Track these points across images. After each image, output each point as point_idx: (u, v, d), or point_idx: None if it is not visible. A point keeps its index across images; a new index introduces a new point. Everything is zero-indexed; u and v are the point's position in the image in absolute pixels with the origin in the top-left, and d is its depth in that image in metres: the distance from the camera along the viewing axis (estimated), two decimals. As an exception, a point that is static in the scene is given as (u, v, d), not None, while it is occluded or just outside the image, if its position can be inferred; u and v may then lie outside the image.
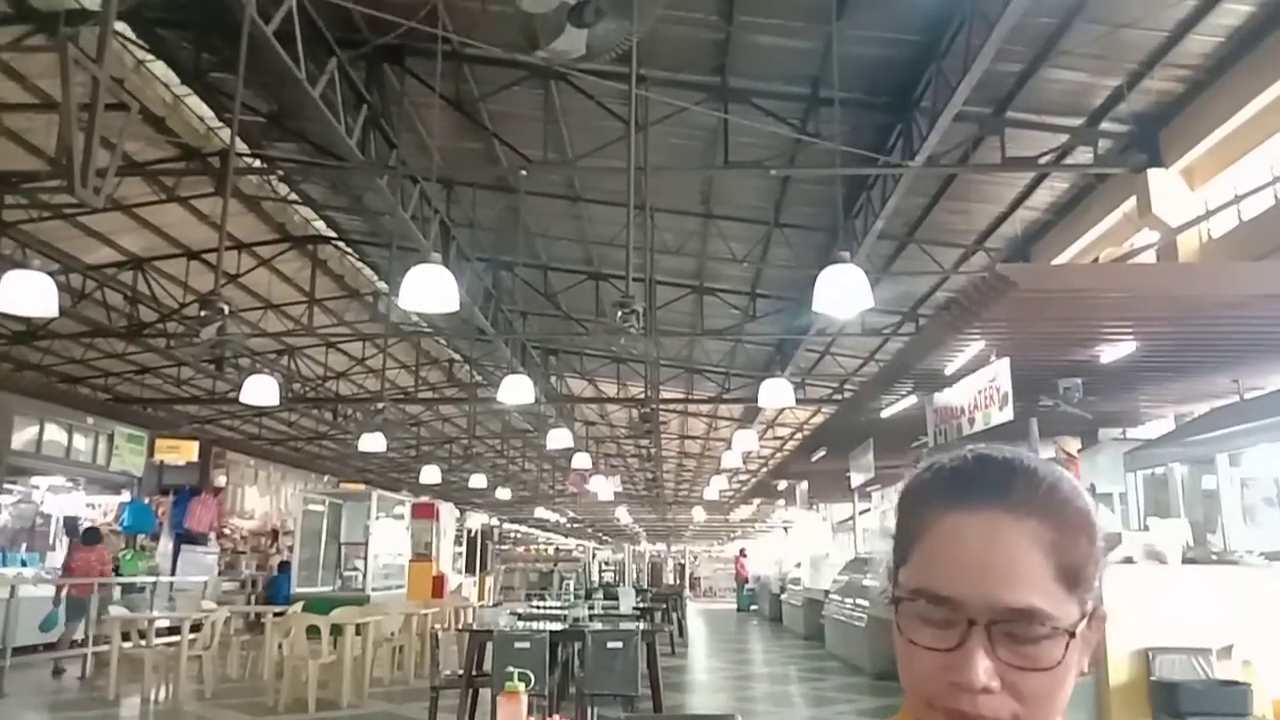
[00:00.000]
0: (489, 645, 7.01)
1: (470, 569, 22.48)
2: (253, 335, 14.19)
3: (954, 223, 10.81)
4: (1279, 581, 6.04)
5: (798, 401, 16.64)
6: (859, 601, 11.95)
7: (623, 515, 37.61)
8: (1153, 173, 8.65)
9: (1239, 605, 5.87)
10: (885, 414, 11.83)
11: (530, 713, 2.58)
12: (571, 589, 12.14)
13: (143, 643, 9.86)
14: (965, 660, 0.82)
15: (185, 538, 16.76)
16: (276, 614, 10.27)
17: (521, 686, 2.59)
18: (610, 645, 7.04)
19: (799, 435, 21.42)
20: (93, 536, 12.65)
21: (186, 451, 16.70)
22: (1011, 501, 0.87)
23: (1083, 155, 8.83)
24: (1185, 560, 6.26)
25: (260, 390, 10.46)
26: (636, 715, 6.58)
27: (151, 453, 16.35)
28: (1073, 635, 0.83)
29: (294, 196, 11.95)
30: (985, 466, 0.91)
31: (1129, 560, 6.11)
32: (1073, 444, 7.50)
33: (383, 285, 13.89)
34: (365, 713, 8.79)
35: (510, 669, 2.81)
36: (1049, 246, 10.84)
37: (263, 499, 21.82)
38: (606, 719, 6.54)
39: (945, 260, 11.28)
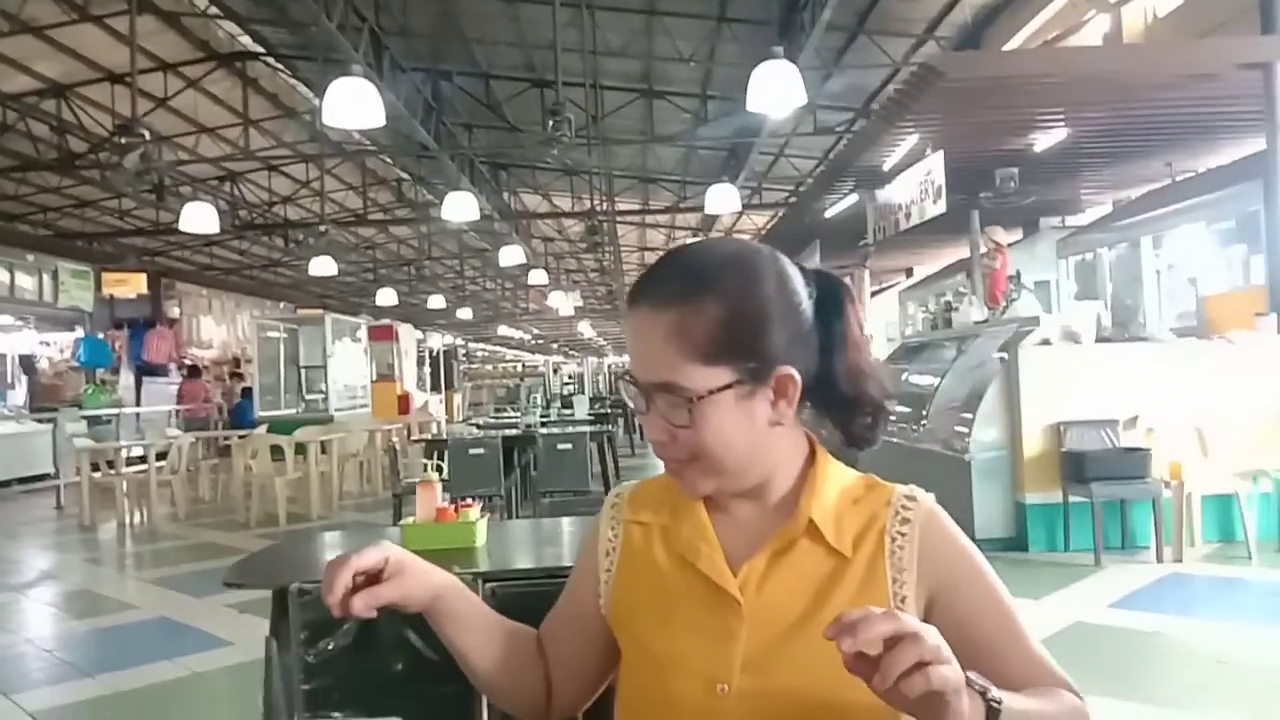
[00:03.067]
0: (447, 454, 7.31)
1: (436, 387, 22.89)
2: (187, 161, 13.80)
3: (904, 10, 10.48)
4: (1184, 355, 6.35)
5: (754, 207, 16.63)
6: (807, 397, 12.40)
7: (585, 329, 38.06)
8: (1096, -51, 8.42)
9: (1146, 379, 6.20)
10: (829, 214, 11.94)
11: (490, 512, 2.76)
12: (537, 401, 12.46)
13: (113, 472, 10.14)
14: (647, 422, 1.09)
15: (145, 370, 16.85)
16: (241, 437, 10.53)
17: (434, 476, 2.75)
18: (560, 447, 7.37)
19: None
20: (195, 373, 17.29)
21: (135, 284, 16.51)
22: (656, 299, 1.07)
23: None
24: (1099, 339, 6.54)
25: (200, 218, 10.26)
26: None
27: (99, 287, 16.17)
28: (703, 397, 1.05)
29: (214, 10, 11.33)
30: (656, 269, 1.12)
31: (1046, 342, 6.38)
32: (1000, 234, 7.65)
33: (320, 103, 13.43)
34: (335, 522, 9.20)
35: (426, 462, 2.97)
36: (999, 32, 10.62)
37: (220, 328, 21.82)
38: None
39: (896, 52, 11.02)
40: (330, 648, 2.07)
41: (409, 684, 2.02)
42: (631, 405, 1.13)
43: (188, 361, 18.10)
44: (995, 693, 0.88)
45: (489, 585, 1.87)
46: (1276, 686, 3.67)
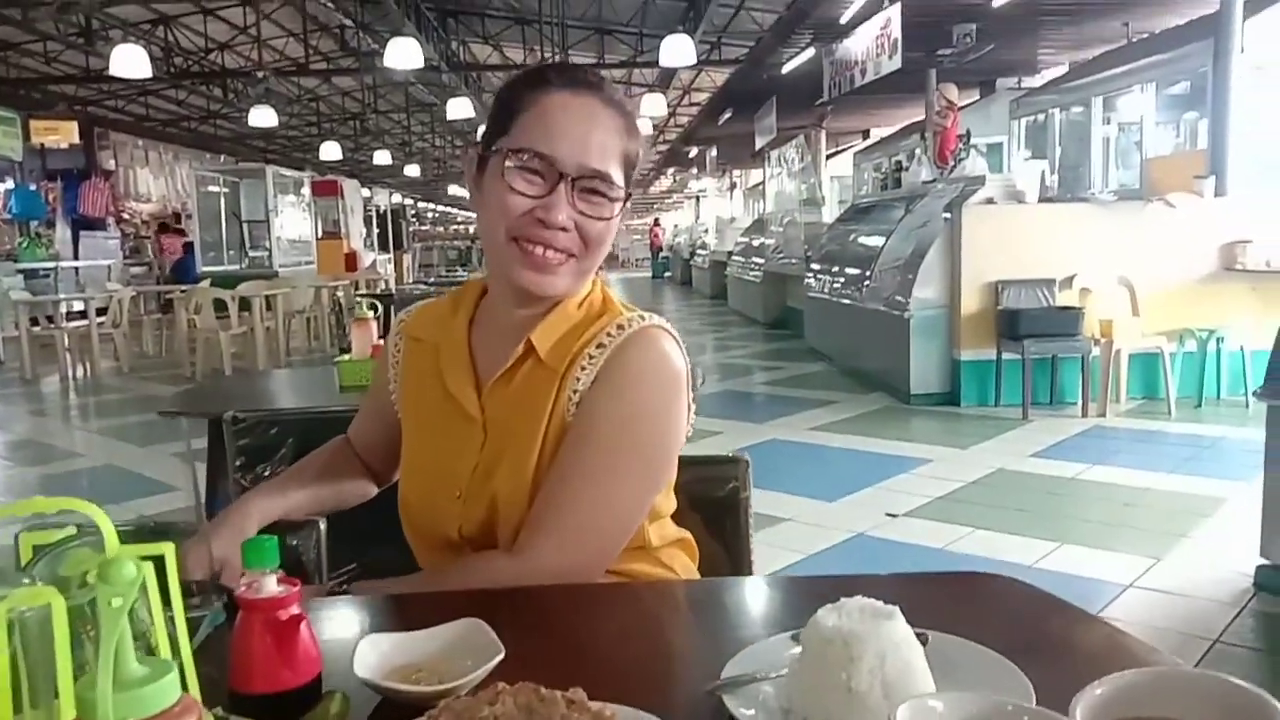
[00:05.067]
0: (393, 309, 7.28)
1: (385, 247, 22.52)
2: (114, 2, 13.03)
3: None
4: (1123, 216, 6.45)
5: (711, 63, 16.15)
6: (756, 260, 12.46)
7: (539, 190, 37.36)
8: None
9: (1085, 239, 6.30)
10: (786, 69, 11.71)
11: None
12: (487, 263, 12.33)
13: (53, 326, 9.96)
14: (554, 204, 1.10)
15: (82, 223, 16.28)
16: (183, 291, 10.35)
17: (370, 314, 2.76)
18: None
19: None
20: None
21: (66, 133, 15.78)
22: (605, 94, 1.15)
23: None
24: (1043, 200, 6.61)
25: (131, 61, 9.75)
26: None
27: (28, 136, 15.44)
28: (625, 201, 1.14)
29: None
30: (579, 68, 1.19)
31: (990, 201, 6.43)
32: (954, 92, 7.58)
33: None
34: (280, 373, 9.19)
35: (362, 299, 2.97)
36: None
37: (158, 181, 21.09)
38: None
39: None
40: (266, 473, 2.12)
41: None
42: (522, 188, 1.10)
43: (125, 216, 17.44)
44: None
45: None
46: (1177, 527, 3.91)
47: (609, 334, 1.14)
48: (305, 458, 1.40)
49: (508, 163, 1.10)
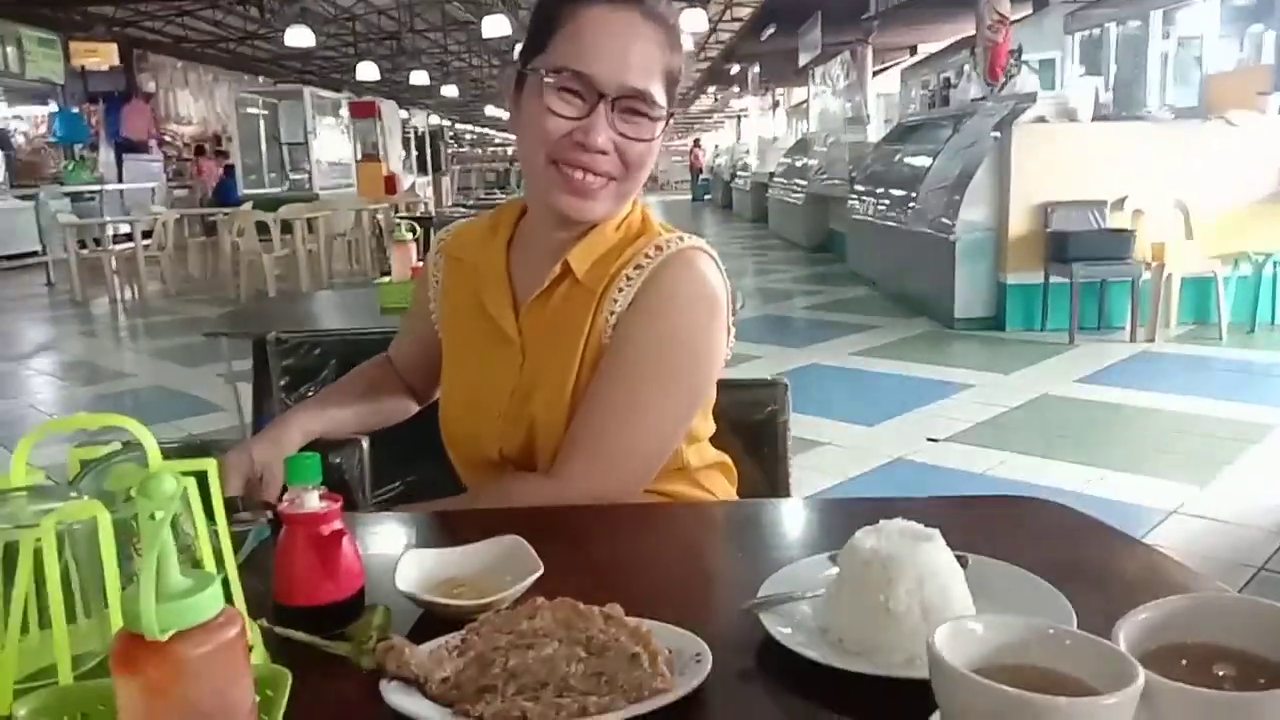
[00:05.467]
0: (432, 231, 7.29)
1: (423, 169, 22.45)
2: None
3: None
4: (1180, 135, 6.22)
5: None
6: (798, 182, 12.25)
7: (578, 111, 36.89)
8: None
9: (1139, 159, 6.10)
10: (831, -16, 11.32)
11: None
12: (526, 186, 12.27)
13: (100, 249, 10.12)
14: (593, 126, 1.06)
15: (125, 146, 16.40)
16: (226, 214, 10.43)
17: (409, 236, 2.75)
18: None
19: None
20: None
21: (106, 55, 15.79)
22: (646, 6, 1.08)
23: None
24: (1096, 118, 6.39)
25: (165, -21, 9.70)
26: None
27: (68, 58, 15.48)
28: (666, 120, 1.10)
29: None
30: None
31: (1042, 119, 6.23)
32: (1006, 5, 7.29)
33: None
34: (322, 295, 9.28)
35: (401, 221, 2.97)
36: None
37: (198, 103, 21.10)
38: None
39: None
40: (310, 393, 2.15)
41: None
42: (560, 109, 1.07)
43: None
44: None
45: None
46: (1224, 454, 3.85)
47: (647, 255, 1.12)
48: (346, 375, 1.41)
49: (546, 81, 1.06)
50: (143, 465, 0.63)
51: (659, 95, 1.09)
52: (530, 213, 1.21)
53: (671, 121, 1.12)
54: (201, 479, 0.66)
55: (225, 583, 0.59)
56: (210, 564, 0.66)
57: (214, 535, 0.67)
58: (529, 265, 1.18)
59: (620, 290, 1.11)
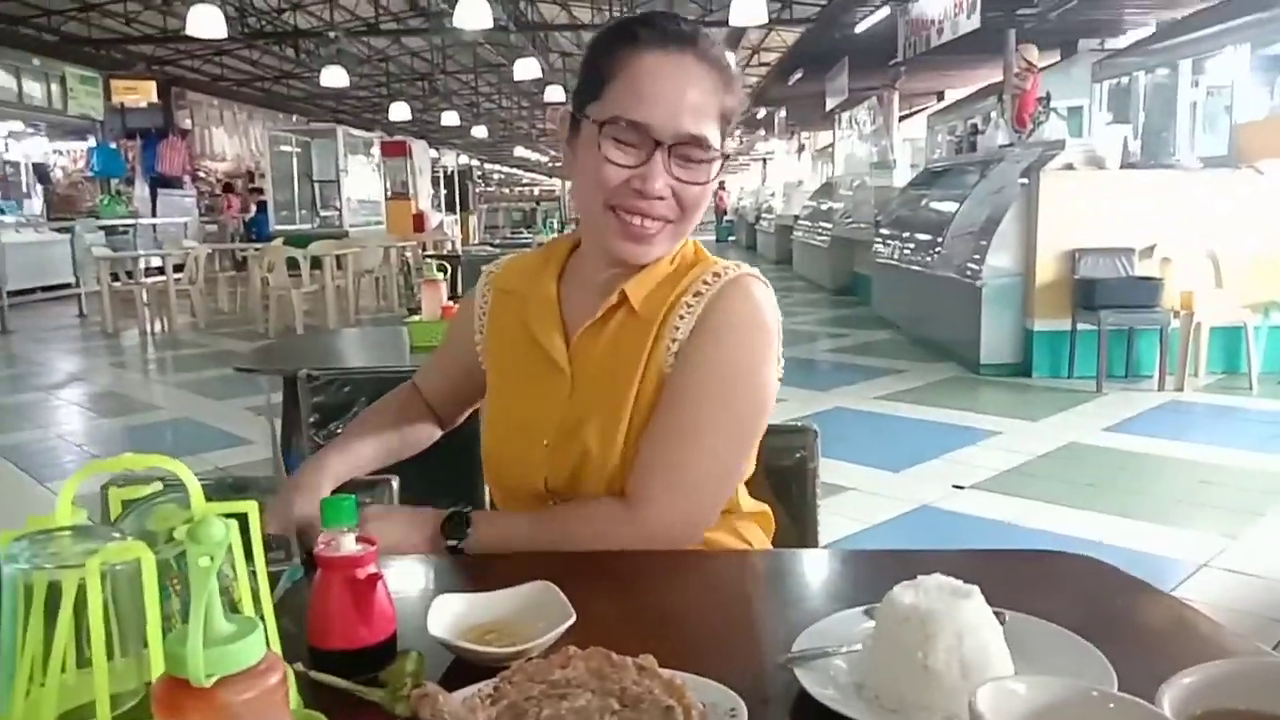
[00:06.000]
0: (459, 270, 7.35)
1: (451, 208, 22.71)
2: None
3: None
4: (1209, 184, 6.20)
5: (782, 22, 15.88)
6: (823, 225, 12.28)
7: (604, 151, 37.20)
8: None
9: (1168, 207, 6.07)
10: (859, 29, 11.44)
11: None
12: (553, 225, 12.38)
13: (132, 282, 10.27)
14: (650, 173, 1.07)
15: (159, 181, 16.73)
16: (257, 249, 10.58)
17: (440, 276, 2.78)
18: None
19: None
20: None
21: (145, 92, 16.17)
22: (699, 49, 1.09)
23: None
24: (1125, 166, 6.38)
25: (206, 21, 9.91)
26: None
27: (109, 95, 15.86)
28: (722, 162, 1.10)
29: None
30: (673, 19, 1.11)
31: (1070, 167, 6.23)
32: (1034, 53, 7.34)
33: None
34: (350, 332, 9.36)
35: (432, 260, 3.00)
36: None
37: (232, 140, 21.50)
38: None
39: None
40: (339, 430, 2.16)
41: (413, 461, 2.12)
42: (617, 158, 1.07)
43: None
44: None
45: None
46: (1251, 505, 3.78)
47: (705, 282, 1.13)
48: (372, 406, 1.41)
49: (602, 130, 1.07)
50: (184, 506, 0.64)
51: (713, 138, 1.09)
52: (584, 249, 1.22)
53: (727, 162, 1.13)
54: (241, 519, 0.66)
55: (264, 626, 0.59)
56: (249, 606, 0.66)
57: (253, 577, 0.68)
58: (580, 297, 1.19)
59: (681, 318, 1.11)
